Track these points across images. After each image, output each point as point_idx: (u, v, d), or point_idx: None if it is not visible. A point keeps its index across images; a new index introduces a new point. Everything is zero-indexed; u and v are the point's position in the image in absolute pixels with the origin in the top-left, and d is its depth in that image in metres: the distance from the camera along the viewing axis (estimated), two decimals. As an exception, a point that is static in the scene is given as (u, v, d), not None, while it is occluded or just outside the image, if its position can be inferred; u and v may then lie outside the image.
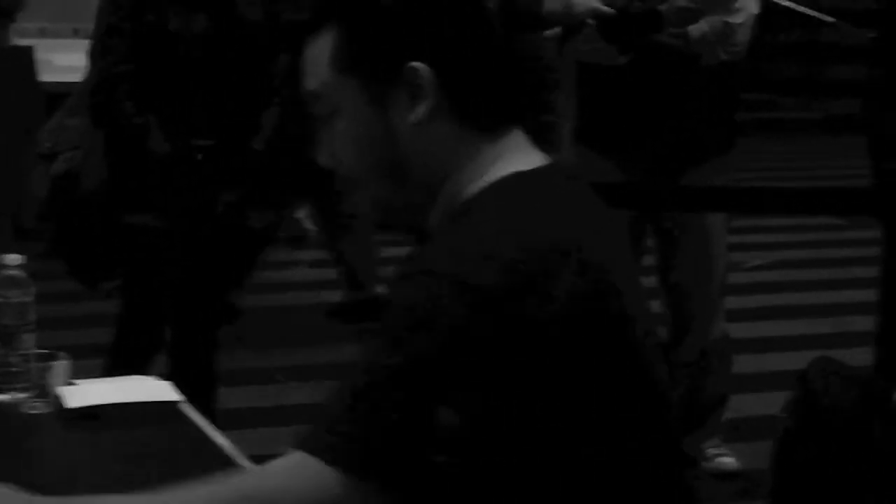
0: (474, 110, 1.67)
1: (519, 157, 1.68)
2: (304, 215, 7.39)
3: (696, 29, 4.06)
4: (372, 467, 1.54)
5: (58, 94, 4.77)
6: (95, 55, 4.00)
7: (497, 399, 1.53)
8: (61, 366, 2.35)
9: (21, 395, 2.33)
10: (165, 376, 4.25)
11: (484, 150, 1.67)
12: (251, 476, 1.68)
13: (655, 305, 4.51)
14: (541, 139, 1.75)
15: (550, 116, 5.63)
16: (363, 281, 6.27)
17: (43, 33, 8.09)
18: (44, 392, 2.33)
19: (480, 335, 1.52)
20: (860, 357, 3.90)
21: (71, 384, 2.38)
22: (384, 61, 1.65)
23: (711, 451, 4.42)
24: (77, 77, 4.29)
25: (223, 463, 2.07)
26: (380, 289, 6.05)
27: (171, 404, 2.41)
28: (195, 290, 4.28)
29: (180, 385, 4.25)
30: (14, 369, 2.34)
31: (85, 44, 4.12)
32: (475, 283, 1.52)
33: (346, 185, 1.76)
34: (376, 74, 1.66)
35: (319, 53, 1.70)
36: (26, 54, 7.42)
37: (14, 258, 2.36)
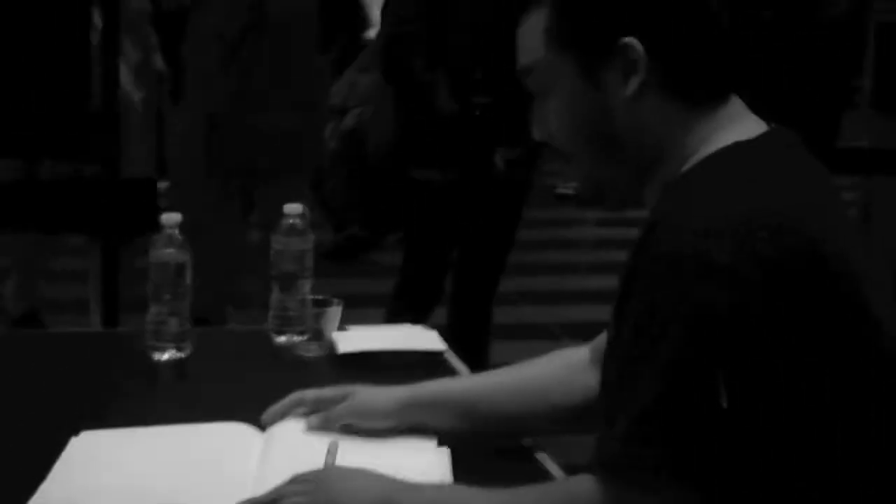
0: (688, 84, 1.65)
1: (737, 126, 1.65)
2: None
3: None
4: (693, 468, 1.49)
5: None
6: (386, 14, 4.12)
7: (763, 372, 1.49)
8: (335, 311, 2.47)
9: (297, 339, 2.46)
10: (444, 327, 4.45)
11: (700, 122, 1.65)
12: (551, 490, 1.68)
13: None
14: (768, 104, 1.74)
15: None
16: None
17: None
18: (318, 336, 2.45)
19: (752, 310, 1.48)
20: None
21: (344, 329, 2.50)
22: (597, 38, 1.65)
23: None
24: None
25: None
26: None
27: (438, 354, 2.48)
28: (477, 243, 4.38)
29: (457, 336, 4.42)
30: (291, 313, 2.47)
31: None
32: (718, 261, 1.48)
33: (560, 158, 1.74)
34: (589, 51, 1.66)
35: (533, 30, 1.72)
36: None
37: (295, 208, 2.48)
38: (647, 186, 1.68)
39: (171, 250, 2.38)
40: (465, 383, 2.14)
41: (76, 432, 2.02)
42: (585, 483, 1.56)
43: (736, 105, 1.69)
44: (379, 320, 4.35)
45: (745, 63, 1.69)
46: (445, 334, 4.40)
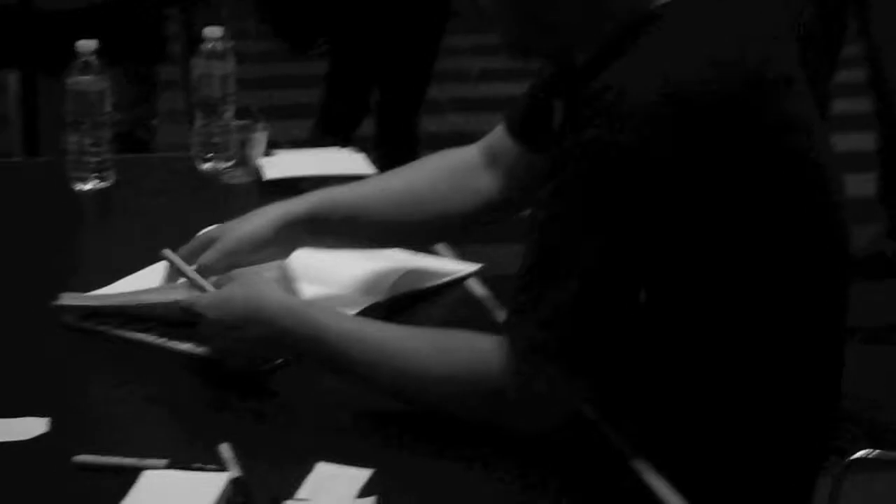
0: None
1: None
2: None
3: None
4: (587, 363, 1.49)
5: None
6: None
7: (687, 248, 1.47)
8: (261, 137, 2.42)
9: (222, 165, 2.42)
10: (371, 139, 4.41)
11: None
12: (454, 338, 1.60)
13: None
14: None
15: None
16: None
17: None
18: (244, 162, 2.41)
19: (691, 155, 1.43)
20: None
21: (271, 154, 2.46)
22: None
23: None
24: None
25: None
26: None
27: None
28: (401, 52, 4.32)
29: (384, 148, 4.39)
30: (215, 139, 2.42)
31: None
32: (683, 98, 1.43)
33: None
34: None
35: None
36: None
37: (215, 30, 2.41)
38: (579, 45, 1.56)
39: (88, 77, 2.32)
40: (344, 193, 1.92)
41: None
42: (489, 344, 1.53)
43: None
44: (305, 132, 4.33)
45: None
46: (372, 146, 4.44)
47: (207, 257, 1.81)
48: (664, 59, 1.46)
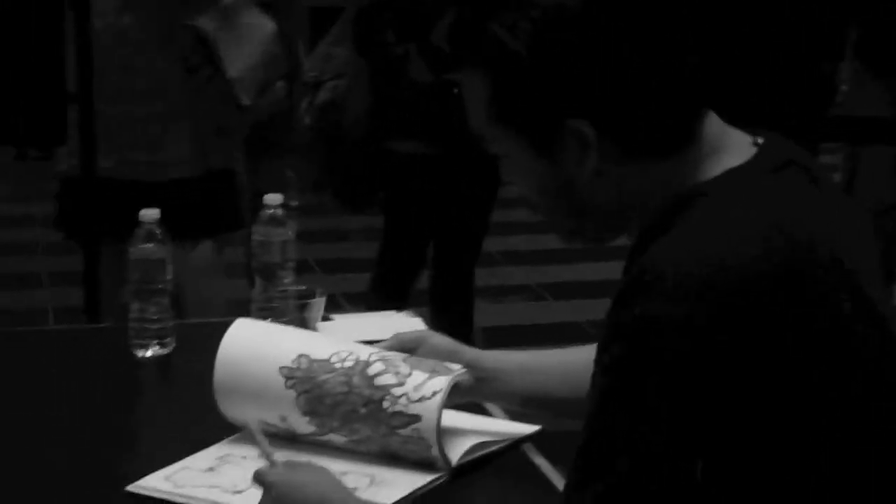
0: (650, 144, 1.51)
1: (721, 156, 1.53)
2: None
3: None
4: None
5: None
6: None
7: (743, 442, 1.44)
8: (319, 302, 2.45)
9: (281, 330, 2.44)
10: (427, 292, 4.44)
11: (676, 166, 1.52)
12: None
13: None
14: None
15: None
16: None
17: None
18: (302, 326, 2.43)
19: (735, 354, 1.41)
20: None
21: (328, 319, 2.49)
22: (540, 121, 1.51)
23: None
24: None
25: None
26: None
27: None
28: (457, 210, 4.37)
29: (440, 301, 4.42)
30: (274, 305, 2.45)
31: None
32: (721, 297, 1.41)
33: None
34: (535, 132, 1.52)
35: (475, 97, 1.54)
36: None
37: (275, 198, 2.46)
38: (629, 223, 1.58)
39: (150, 246, 2.36)
40: (522, 358, 2.03)
41: (64, 434, 2.01)
42: None
43: (713, 129, 1.55)
44: (362, 286, 4.36)
45: (718, 86, 1.58)
46: (429, 300, 4.46)
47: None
48: (708, 236, 1.46)
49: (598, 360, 1.49)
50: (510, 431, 2.05)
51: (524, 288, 5.77)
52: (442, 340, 2.03)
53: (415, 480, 1.87)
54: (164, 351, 2.39)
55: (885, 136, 4.41)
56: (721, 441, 1.45)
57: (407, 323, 2.54)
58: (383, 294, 4.35)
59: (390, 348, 1.99)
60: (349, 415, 1.91)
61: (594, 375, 1.50)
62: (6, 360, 2.43)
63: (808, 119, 3.93)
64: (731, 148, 1.55)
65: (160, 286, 2.37)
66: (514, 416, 2.10)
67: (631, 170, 1.52)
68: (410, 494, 1.84)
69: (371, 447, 1.92)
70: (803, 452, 1.48)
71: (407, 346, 2.00)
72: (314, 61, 4.31)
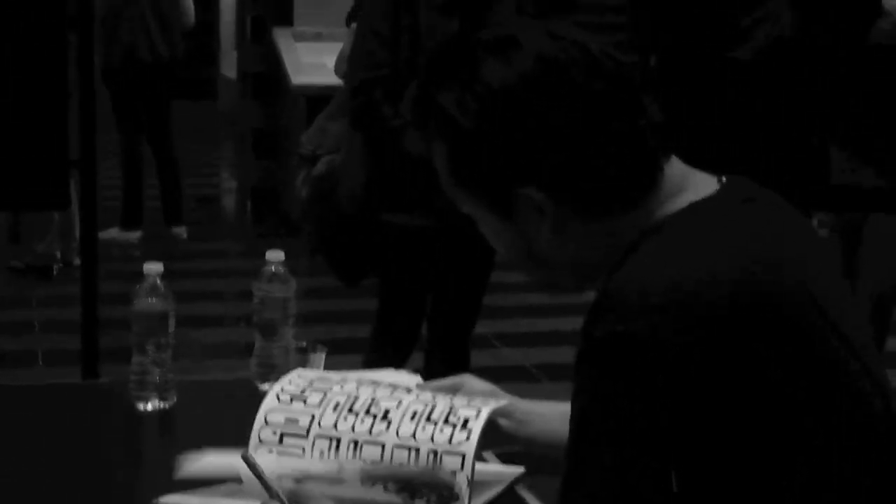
0: (605, 204, 1.58)
1: (687, 193, 1.59)
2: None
3: None
4: None
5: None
6: (353, 60, 4.13)
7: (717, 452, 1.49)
8: (319, 358, 2.46)
9: (281, 385, 2.45)
10: (422, 371, 4.42)
11: (637, 216, 1.58)
12: None
13: None
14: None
15: None
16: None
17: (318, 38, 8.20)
18: (302, 382, 2.43)
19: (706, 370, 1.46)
20: None
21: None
22: (493, 188, 1.58)
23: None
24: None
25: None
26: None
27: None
28: (452, 286, 4.38)
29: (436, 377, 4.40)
30: (274, 361, 2.46)
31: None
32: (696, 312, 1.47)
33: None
34: (491, 197, 1.60)
35: (438, 159, 1.64)
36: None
37: (276, 255, 2.48)
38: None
39: (153, 300, 2.38)
40: (556, 404, 2.04)
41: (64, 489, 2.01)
42: None
43: (675, 171, 1.61)
44: (358, 366, 4.35)
45: (673, 142, 1.61)
46: (424, 378, 4.44)
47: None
48: (669, 257, 1.52)
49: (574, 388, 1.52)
50: (505, 472, 2.06)
51: (520, 368, 5.77)
52: (480, 383, 2.08)
53: None
54: (165, 405, 2.39)
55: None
56: (693, 449, 1.48)
57: (406, 378, 2.53)
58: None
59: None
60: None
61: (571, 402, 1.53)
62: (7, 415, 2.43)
63: (799, 188, 3.97)
64: (696, 186, 1.61)
65: (162, 340, 2.38)
66: (506, 460, 2.11)
67: (594, 227, 1.59)
68: None
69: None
70: (774, 457, 1.50)
71: (446, 391, 2.03)
72: (311, 135, 4.35)
